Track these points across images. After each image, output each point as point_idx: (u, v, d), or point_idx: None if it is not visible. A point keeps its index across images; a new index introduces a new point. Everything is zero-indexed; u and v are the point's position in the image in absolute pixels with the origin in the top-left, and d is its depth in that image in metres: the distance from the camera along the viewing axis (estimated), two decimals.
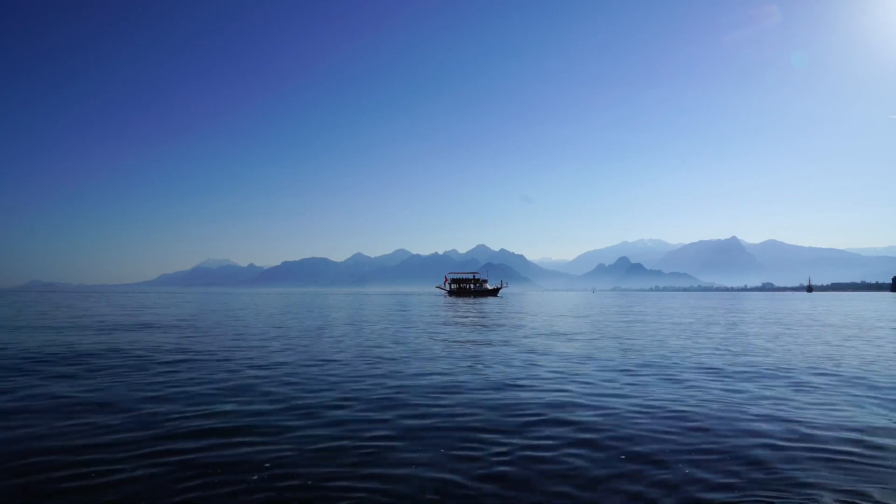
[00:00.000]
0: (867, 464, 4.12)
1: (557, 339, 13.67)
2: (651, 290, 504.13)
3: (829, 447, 4.50)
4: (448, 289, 77.52)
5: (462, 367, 8.81)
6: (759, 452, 4.35)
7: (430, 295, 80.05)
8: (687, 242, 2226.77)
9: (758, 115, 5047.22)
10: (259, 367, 8.68)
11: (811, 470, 3.98)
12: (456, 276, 78.03)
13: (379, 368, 8.54)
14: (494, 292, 76.65)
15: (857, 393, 6.80)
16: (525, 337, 14.15)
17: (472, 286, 75.68)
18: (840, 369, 8.70)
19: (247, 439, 4.69)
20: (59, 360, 9.30)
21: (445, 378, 7.69)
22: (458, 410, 5.72)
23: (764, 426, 5.14)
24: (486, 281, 76.74)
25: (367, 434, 4.83)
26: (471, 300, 53.66)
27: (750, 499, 3.49)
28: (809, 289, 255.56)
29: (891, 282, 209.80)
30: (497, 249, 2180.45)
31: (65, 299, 52.64)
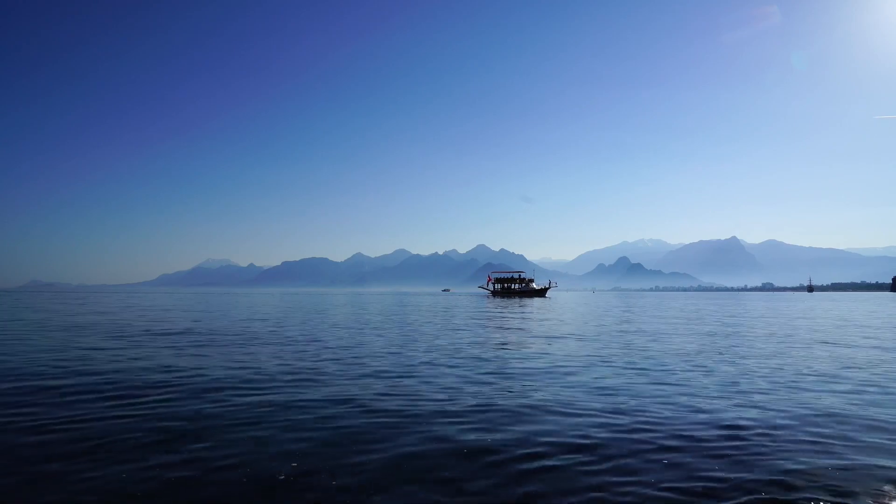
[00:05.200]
0: None
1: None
2: (651, 290, 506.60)
3: None
4: (492, 288, 76.21)
5: None
6: None
7: (467, 295, 78.83)
8: (687, 242, 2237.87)
9: (758, 115, 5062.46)
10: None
11: None
12: (500, 276, 76.46)
13: None
14: (542, 292, 72.86)
15: None
16: None
17: (516, 286, 73.67)
18: None
19: None
20: None
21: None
22: None
23: None
24: (532, 280, 74.11)
25: None
26: (517, 300, 50.65)
27: None
28: (810, 289, 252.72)
29: (891, 282, 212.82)
30: (497, 249, 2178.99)
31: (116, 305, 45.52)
